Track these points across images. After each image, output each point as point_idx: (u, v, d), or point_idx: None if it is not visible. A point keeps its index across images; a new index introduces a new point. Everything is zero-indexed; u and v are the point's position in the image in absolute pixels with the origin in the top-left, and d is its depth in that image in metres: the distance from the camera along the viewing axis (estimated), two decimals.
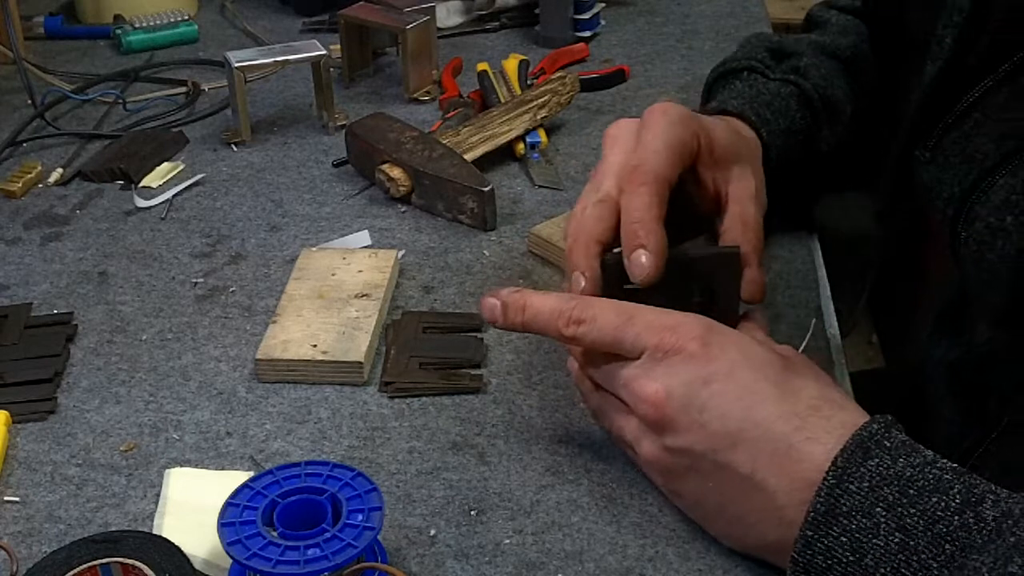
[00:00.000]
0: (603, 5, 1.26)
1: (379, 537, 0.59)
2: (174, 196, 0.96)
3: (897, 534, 0.52)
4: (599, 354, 0.63)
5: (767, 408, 0.57)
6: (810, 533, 0.53)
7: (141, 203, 0.95)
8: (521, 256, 0.87)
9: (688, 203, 0.72)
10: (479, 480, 0.66)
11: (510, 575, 0.60)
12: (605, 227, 0.67)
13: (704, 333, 0.59)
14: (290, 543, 0.55)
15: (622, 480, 0.65)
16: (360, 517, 0.56)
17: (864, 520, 0.52)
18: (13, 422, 0.71)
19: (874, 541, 0.52)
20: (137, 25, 1.27)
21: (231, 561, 0.55)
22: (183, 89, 1.16)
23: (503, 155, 1.00)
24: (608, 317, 0.61)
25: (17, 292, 0.85)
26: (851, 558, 0.52)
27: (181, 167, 1.01)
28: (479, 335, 0.78)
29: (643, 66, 1.19)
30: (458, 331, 0.78)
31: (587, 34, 1.24)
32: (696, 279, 0.66)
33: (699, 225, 0.73)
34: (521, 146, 1.00)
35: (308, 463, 0.60)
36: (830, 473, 0.54)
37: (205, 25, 1.32)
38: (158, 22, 1.27)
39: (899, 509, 0.52)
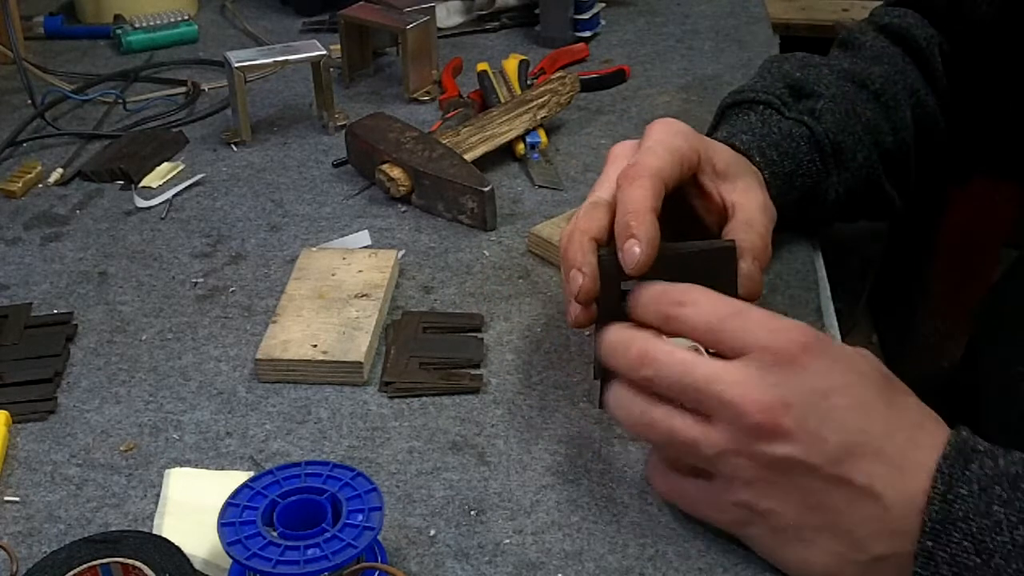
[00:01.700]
0: (603, 5, 1.26)
1: (379, 537, 0.59)
2: (174, 196, 0.96)
3: (1021, 527, 0.52)
4: (673, 350, 0.59)
5: (883, 422, 0.56)
6: (930, 543, 0.53)
7: (141, 203, 0.95)
8: (521, 256, 0.87)
9: (695, 216, 0.72)
10: (479, 480, 0.66)
11: (510, 575, 0.60)
12: (600, 226, 0.66)
13: (814, 342, 0.57)
14: (290, 543, 0.55)
15: (622, 480, 0.65)
16: (360, 517, 0.56)
17: (984, 520, 0.52)
18: (13, 422, 0.71)
19: (998, 539, 0.52)
20: (137, 25, 1.27)
21: (231, 561, 0.56)
22: (183, 89, 1.16)
23: (503, 155, 1.00)
24: (715, 303, 0.59)
25: (17, 292, 0.85)
26: (978, 561, 0.52)
27: (181, 167, 1.01)
28: (479, 335, 0.78)
29: (643, 66, 1.19)
30: (458, 331, 0.78)
31: (587, 34, 1.24)
32: (693, 275, 0.65)
33: (707, 237, 0.73)
34: (521, 146, 1.00)
35: (308, 463, 0.60)
36: (938, 481, 0.53)
37: (205, 25, 1.32)
38: (158, 22, 1.28)
39: (1016, 503, 0.52)
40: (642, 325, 0.61)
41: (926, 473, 0.54)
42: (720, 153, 0.73)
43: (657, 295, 0.61)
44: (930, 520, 0.53)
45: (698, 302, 0.59)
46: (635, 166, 0.66)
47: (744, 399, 0.56)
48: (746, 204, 0.71)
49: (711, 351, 0.59)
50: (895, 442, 0.56)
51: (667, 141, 0.68)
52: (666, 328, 0.60)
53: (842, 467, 0.55)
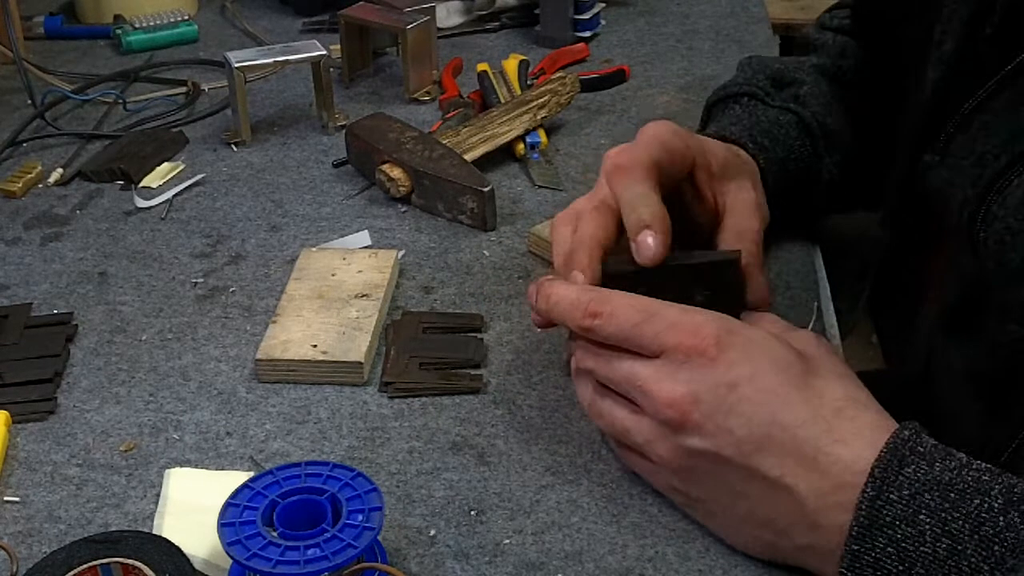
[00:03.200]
0: (603, 5, 1.26)
1: (379, 537, 0.59)
2: (174, 196, 0.96)
3: (944, 540, 0.52)
4: (608, 349, 0.61)
5: (793, 411, 0.56)
6: (856, 547, 0.53)
7: (141, 203, 0.95)
8: (521, 256, 0.87)
9: (688, 217, 0.72)
10: (479, 480, 0.66)
11: (510, 575, 0.60)
12: (606, 233, 0.67)
13: (726, 335, 0.58)
14: (290, 543, 0.55)
15: (622, 480, 0.65)
16: (360, 517, 0.56)
17: (909, 528, 0.52)
18: (13, 422, 0.71)
19: (921, 549, 0.52)
20: (137, 25, 1.27)
21: (231, 561, 0.56)
22: (183, 89, 1.16)
23: (503, 155, 1.00)
24: (627, 312, 0.60)
25: (17, 292, 0.85)
26: (900, 568, 0.52)
27: (181, 167, 1.01)
28: (479, 335, 0.78)
29: (643, 66, 1.19)
30: (458, 331, 0.78)
31: (587, 34, 1.24)
32: (697, 286, 0.66)
33: (700, 238, 0.73)
34: (521, 146, 1.00)
35: (308, 463, 0.60)
36: (869, 485, 0.53)
37: (205, 25, 1.32)
38: (158, 22, 1.28)
39: (943, 514, 0.52)
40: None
41: (842, 465, 0.55)
42: (716, 153, 0.73)
43: (571, 307, 0.62)
44: (857, 523, 0.53)
45: (612, 314, 0.60)
46: (624, 156, 0.66)
47: (657, 394, 0.58)
48: (737, 208, 0.71)
49: None
50: (809, 432, 0.56)
51: (659, 136, 0.68)
52: (586, 337, 0.62)
53: (752, 459, 0.56)
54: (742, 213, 0.71)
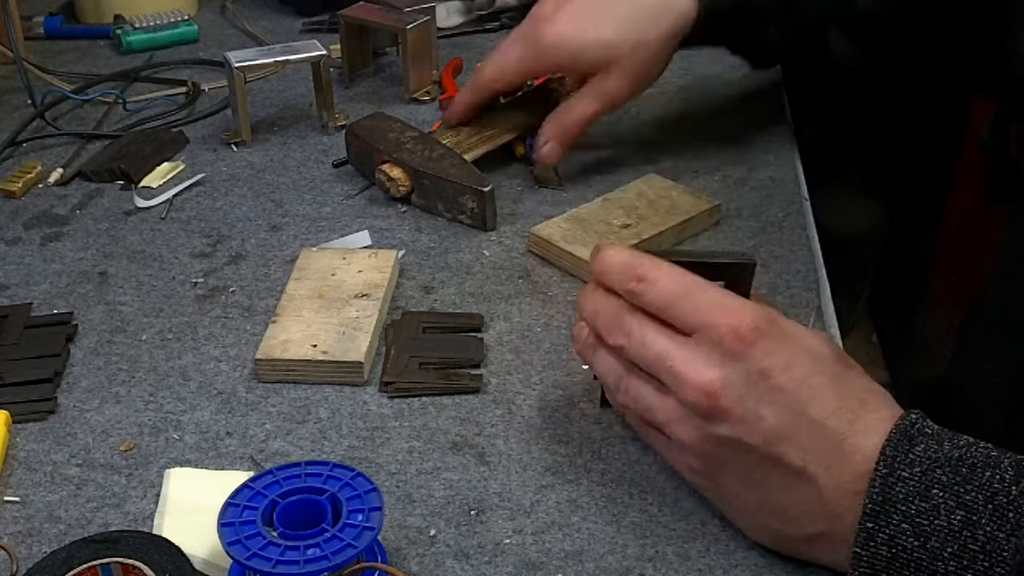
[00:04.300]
0: None
1: (379, 537, 0.59)
2: (174, 196, 0.96)
3: (958, 512, 0.52)
4: (647, 319, 0.61)
5: (823, 403, 0.56)
6: (870, 525, 0.53)
7: (141, 203, 0.95)
8: (521, 256, 0.87)
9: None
10: (479, 480, 0.66)
11: (510, 575, 0.60)
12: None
13: (764, 323, 0.57)
14: (290, 543, 0.55)
15: (622, 480, 0.65)
16: (360, 517, 0.56)
17: (922, 503, 0.53)
18: (13, 422, 0.71)
19: (936, 522, 0.52)
20: (137, 25, 1.27)
21: (231, 561, 0.56)
22: (183, 89, 1.16)
23: (503, 155, 1.00)
24: (671, 283, 0.60)
25: (17, 292, 0.85)
26: (915, 543, 0.53)
27: (181, 167, 1.01)
28: (479, 335, 0.78)
29: None
30: (458, 331, 0.78)
31: None
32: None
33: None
34: (521, 146, 1.00)
35: (308, 463, 0.60)
36: (880, 463, 0.54)
37: (205, 25, 1.32)
38: (158, 22, 1.28)
39: (955, 487, 0.53)
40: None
41: (862, 455, 0.55)
42: (585, 56, 0.90)
43: (623, 266, 0.62)
44: (871, 501, 0.54)
45: (657, 280, 0.60)
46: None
47: (686, 377, 0.58)
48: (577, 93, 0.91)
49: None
50: (836, 423, 0.56)
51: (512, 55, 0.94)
52: (629, 300, 0.62)
53: (778, 448, 0.56)
54: (580, 95, 0.90)
